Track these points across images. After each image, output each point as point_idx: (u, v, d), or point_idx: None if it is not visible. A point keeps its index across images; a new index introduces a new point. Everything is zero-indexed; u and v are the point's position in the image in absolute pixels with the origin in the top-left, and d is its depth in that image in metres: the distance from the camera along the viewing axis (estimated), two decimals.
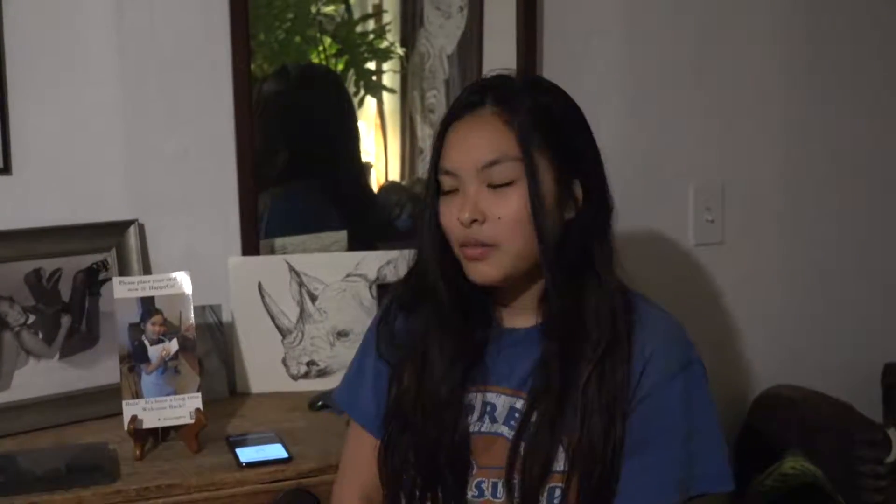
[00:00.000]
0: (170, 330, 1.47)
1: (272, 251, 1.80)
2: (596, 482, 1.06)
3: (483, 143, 1.10)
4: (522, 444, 1.08)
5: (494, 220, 1.09)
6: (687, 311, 1.98)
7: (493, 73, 1.17)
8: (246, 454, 1.41)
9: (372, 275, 1.75)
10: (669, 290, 1.91)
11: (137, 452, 1.43)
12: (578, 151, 1.12)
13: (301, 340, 1.75)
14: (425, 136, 1.90)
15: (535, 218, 1.08)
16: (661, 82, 2.02)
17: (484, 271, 1.11)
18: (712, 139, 2.07)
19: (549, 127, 1.10)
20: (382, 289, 1.72)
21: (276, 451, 1.42)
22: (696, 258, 2.09)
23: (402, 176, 1.98)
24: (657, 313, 1.11)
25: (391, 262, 1.74)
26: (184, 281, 1.48)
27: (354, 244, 1.83)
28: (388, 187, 1.99)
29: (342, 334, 1.75)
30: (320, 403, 1.63)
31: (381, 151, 1.97)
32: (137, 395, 1.45)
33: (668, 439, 1.07)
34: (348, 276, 1.75)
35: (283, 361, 1.75)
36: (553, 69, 1.87)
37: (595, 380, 1.07)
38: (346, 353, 1.73)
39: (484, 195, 1.10)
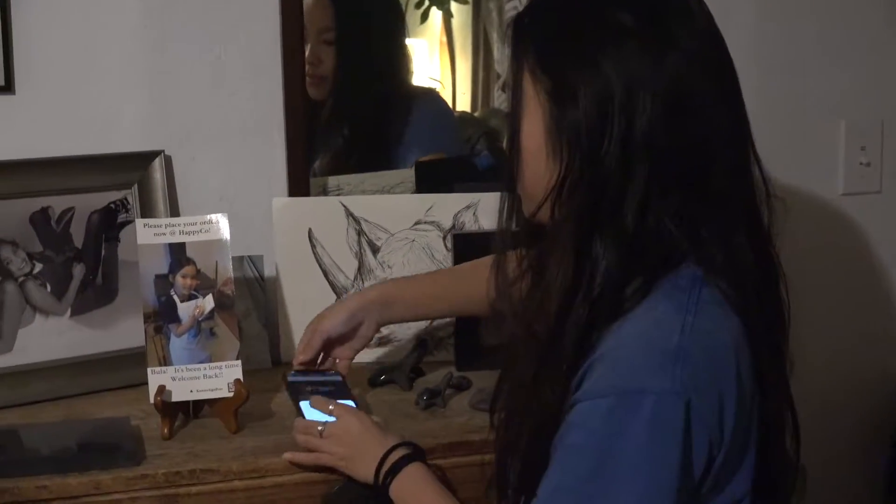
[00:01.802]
0: (204, 284, 1.47)
1: (325, 192, 1.79)
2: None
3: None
4: None
5: None
6: (831, 275, 2.01)
7: None
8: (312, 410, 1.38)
9: (446, 222, 1.74)
10: (809, 249, 1.90)
11: (165, 430, 1.43)
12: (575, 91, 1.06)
13: None
14: (504, 57, 1.92)
15: (508, 155, 1.12)
16: None
17: None
18: (869, 68, 2.03)
19: (551, 46, 1.09)
20: (459, 240, 1.70)
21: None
22: (845, 210, 2.05)
23: (474, 106, 1.98)
24: (648, 314, 1.05)
25: (471, 207, 1.73)
26: (222, 224, 1.47)
27: (424, 185, 1.83)
28: (458, 119, 1.99)
29: None
30: (383, 378, 1.63)
31: (447, 76, 1.95)
32: (165, 361, 1.45)
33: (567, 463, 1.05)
34: (418, 223, 1.74)
35: None
36: None
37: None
38: None
39: None
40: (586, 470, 1.02)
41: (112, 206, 1.65)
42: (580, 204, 1.06)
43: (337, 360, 1.51)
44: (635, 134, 1.04)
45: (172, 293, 1.46)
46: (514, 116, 1.11)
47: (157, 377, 1.45)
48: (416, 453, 1.31)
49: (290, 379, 1.45)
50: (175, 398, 1.44)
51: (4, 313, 1.58)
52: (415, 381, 1.62)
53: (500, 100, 1.99)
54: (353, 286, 1.74)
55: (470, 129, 1.98)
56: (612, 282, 1.05)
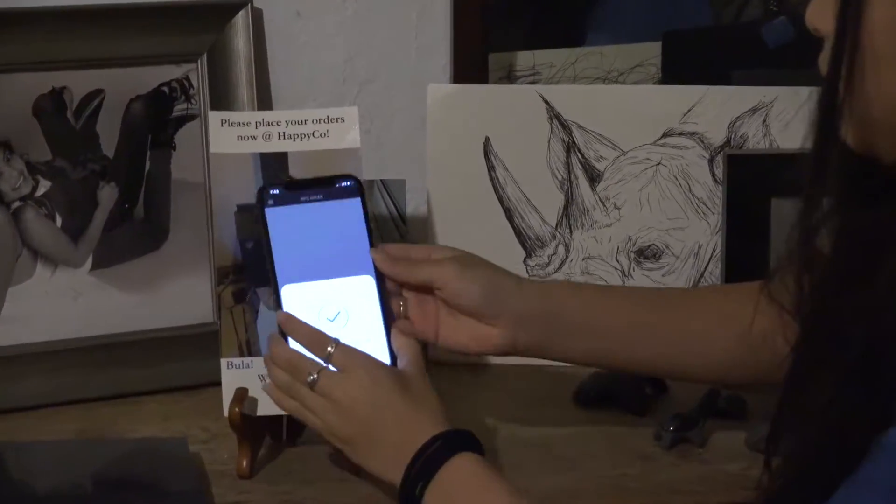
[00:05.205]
0: None
1: (509, 77, 1.83)
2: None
3: None
4: None
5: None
6: None
7: None
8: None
9: (716, 135, 1.75)
10: None
11: (244, 463, 1.44)
12: None
13: (564, 261, 1.77)
14: None
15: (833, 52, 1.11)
16: None
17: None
18: None
19: None
20: (737, 163, 1.71)
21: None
22: None
23: None
24: None
25: (758, 111, 1.73)
26: (349, 123, 1.49)
27: (677, 71, 1.86)
28: None
29: (647, 255, 1.78)
30: (598, 393, 1.65)
31: None
32: (248, 349, 1.46)
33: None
34: (668, 134, 1.74)
35: None
36: None
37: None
38: None
39: None
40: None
41: (164, 89, 1.68)
42: None
43: (404, 307, 1.43)
44: None
45: None
46: None
47: (234, 375, 1.45)
48: (461, 440, 1.31)
49: (267, 212, 1.38)
50: (262, 411, 1.45)
51: None
52: (651, 401, 1.64)
53: None
54: (554, 237, 1.74)
55: None
56: None
